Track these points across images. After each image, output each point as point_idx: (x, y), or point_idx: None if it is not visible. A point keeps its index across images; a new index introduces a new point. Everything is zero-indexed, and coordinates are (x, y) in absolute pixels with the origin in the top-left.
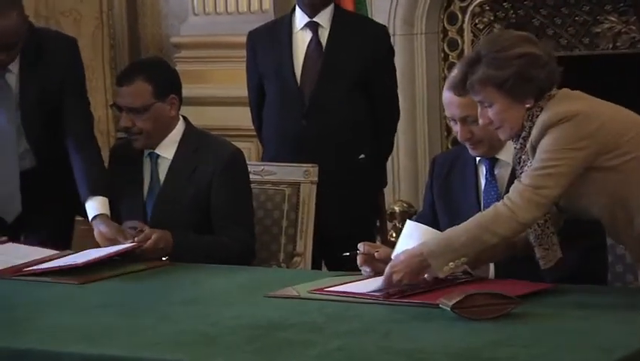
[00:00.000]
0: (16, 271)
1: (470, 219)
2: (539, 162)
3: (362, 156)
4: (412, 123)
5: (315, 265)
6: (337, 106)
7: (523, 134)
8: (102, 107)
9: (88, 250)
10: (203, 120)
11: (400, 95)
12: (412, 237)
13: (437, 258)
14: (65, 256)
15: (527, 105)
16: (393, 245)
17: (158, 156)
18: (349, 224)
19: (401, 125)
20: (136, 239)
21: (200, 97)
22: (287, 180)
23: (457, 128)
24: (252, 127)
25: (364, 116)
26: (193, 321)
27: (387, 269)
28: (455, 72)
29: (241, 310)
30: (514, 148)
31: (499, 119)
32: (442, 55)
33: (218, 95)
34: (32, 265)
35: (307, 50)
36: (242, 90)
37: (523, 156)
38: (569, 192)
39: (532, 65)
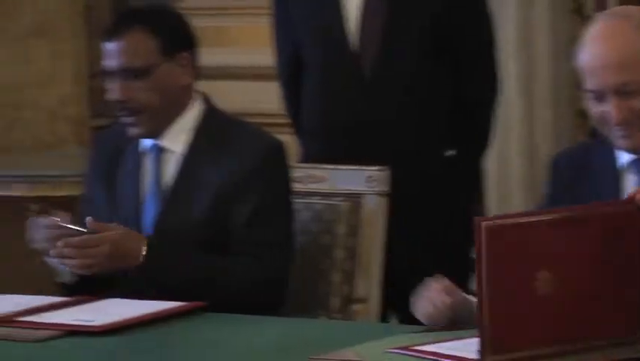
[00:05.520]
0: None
1: None
2: None
3: (450, 152)
4: (528, 107)
5: (386, 316)
6: (412, 78)
7: None
8: (70, 81)
9: (110, 301)
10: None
11: (510, 64)
12: None
13: None
14: (77, 305)
15: None
16: None
17: (162, 149)
18: (433, 255)
19: (514, 111)
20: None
21: (211, 67)
22: (342, 189)
23: (603, 107)
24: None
25: (451, 92)
26: None
27: None
28: None
29: None
30: None
31: None
32: (574, 4)
33: (240, 65)
34: (26, 315)
35: (364, 0)
36: (272, 57)
37: None
38: None
39: None
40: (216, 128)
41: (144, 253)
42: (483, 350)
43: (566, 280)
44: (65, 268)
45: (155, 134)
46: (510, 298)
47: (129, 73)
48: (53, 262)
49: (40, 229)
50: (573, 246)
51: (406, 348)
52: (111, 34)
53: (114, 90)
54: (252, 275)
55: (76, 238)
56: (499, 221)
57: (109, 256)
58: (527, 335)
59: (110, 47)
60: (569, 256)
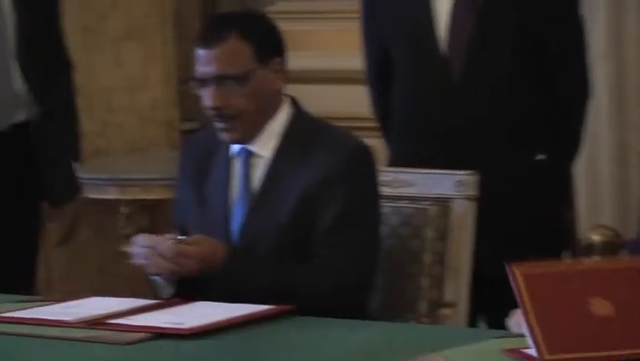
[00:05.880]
0: (95, 323)
1: None
2: None
3: (540, 156)
4: (618, 110)
5: (474, 321)
6: (502, 82)
7: None
8: (161, 85)
9: (199, 304)
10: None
11: (600, 67)
12: None
13: None
14: (167, 307)
15: None
16: None
17: (251, 154)
18: (522, 259)
19: (604, 114)
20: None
21: (300, 71)
22: (431, 194)
23: None
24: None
25: (541, 96)
26: None
27: None
28: None
29: None
30: None
31: None
32: None
33: (329, 68)
34: (117, 318)
35: (455, 1)
36: (361, 60)
37: None
38: None
39: None
40: (303, 131)
41: (222, 263)
42: (539, 352)
43: (624, 306)
44: (162, 280)
45: (248, 139)
46: (559, 312)
47: (226, 80)
48: (154, 278)
49: (143, 247)
50: (623, 284)
51: (517, 351)
52: (206, 41)
53: (209, 97)
54: (334, 279)
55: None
56: (533, 270)
57: (195, 271)
58: (583, 341)
59: (206, 53)
60: (622, 289)
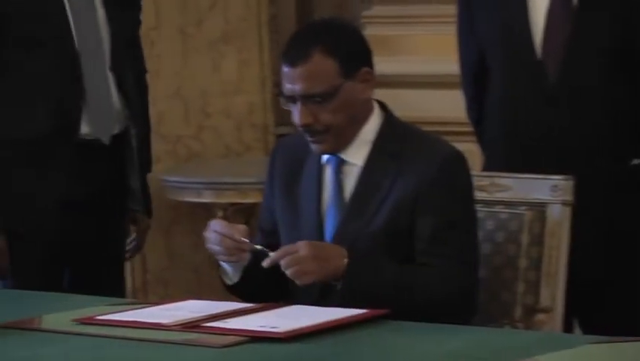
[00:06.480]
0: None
1: None
2: None
3: (636, 160)
4: None
5: (569, 326)
6: (598, 87)
7: None
8: (256, 89)
9: (294, 307)
10: (397, 110)
11: None
12: None
13: None
14: (262, 311)
15: None
16: None
17: (343, 161)
18: (618, 265)
19: None
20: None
21: (396, 75)
22: (527, 198)
23: None
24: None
25: (635, 99)
26: None
27: None
28: None
29: None
30: None
31: None
32: None
33: (424, 73)
34: (212, 321)
35: (551, 5)
36: (457, 65)
37: None
38: None
39: None
40: (395, 138)
41: (347, 260)
42: None
43: None
44: (230, 268)
45: (339, 149)
46: None
47: (313, 98)
48: (223, 264)
49: (218, 234)
50: None
51: None
52: (290, 58)
53: (297, 115)
54: (446, 286)
55: (277, 252)
56: None
57: (315, 258)
58: None
59: (291, 72)
60: None
